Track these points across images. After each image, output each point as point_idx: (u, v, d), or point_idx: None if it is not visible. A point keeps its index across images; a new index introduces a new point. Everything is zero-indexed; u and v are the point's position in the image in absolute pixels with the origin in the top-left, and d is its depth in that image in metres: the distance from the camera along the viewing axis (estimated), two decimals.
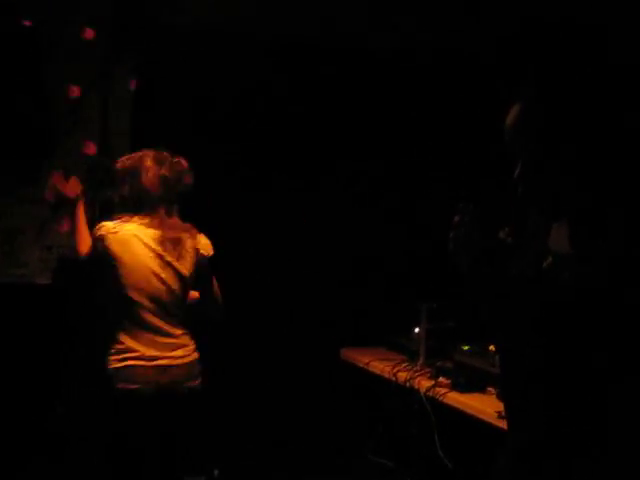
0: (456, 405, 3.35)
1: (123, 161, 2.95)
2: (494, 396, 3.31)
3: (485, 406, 3.19)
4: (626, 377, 1.20)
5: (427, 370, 3.77)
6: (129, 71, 4.16)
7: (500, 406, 3.11)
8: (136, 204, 2.87)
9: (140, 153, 2.95)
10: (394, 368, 3.85)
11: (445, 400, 3.42)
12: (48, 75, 3.97)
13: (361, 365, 4.16)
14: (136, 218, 2.86)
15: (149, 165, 2.88)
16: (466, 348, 3.77)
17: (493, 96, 3.84)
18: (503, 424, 2.92)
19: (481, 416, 3.15)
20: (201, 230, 3.01)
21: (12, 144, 3.90)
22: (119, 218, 2.88)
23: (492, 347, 3.67)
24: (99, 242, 2.84)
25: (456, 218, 1.48)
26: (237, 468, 4.07)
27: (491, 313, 1.48)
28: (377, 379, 4.00)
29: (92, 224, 2.95)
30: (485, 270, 1.49)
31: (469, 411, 3.25)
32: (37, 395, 3.96)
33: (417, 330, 4.20)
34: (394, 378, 3.79)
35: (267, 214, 4.42)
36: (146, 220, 2.86)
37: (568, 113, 1.28)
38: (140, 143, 3.57)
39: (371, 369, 4.06)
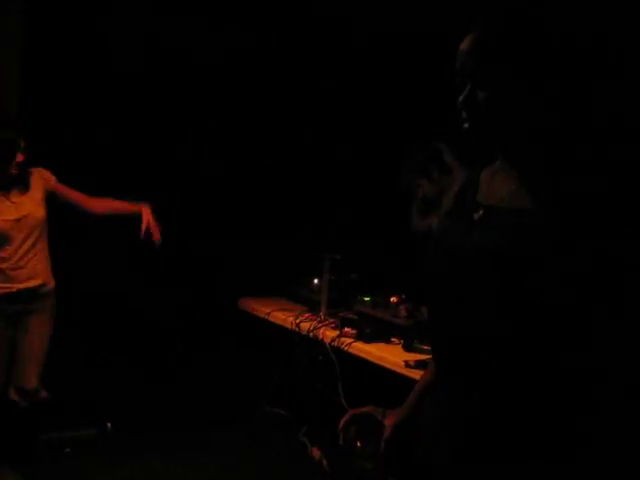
0: (362, 355, 3.38)
1: None
2: (399, 346, 3.37)
3: (391, 355, 3.24)
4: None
5: (331, 321, 3.78)
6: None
7: (407, 355, 3.21)
8: None
9: None
10: (297, 318, 3.84)
11: (350, 350, 3.43)
12: None
13: (261, 315, 4.11)
14: None
15: None
16: (367, 299, 3.81)
17: None
18: (409, 373, 3.03)
19: (388, 365, 3.20)
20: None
21: None
22: None
23: (394, 298, 3.74)
24: None
25: None
26: (131, 421, 3.94)
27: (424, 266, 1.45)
28: (278, 329, 3.97)
29: None
30: None
31: (376, 360, 3.29)
32: None
33: (317, 281, 4.21)
34: (297, 328, 3.77)
35: (167, 165, 4.27)
36: None
37: (525, 37, 1.25)
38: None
39: (272, 319, 4.02)
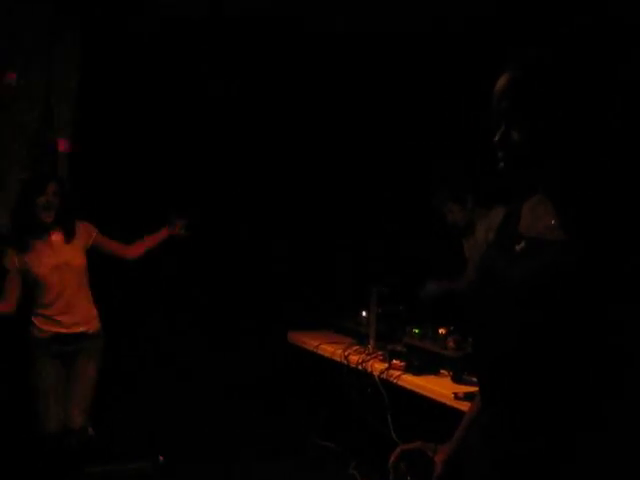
0: (411, 387, 3.36)
1: None
2: (448, 378, 3.34)
3: (440, 387, 3.22)
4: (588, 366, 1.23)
5: (379, 353, 3.78)
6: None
7: (456, 387, 3.18)
8: None
9: None
10: (345, 351, 3.84)
11: (400, 382, 3.42)
12: None
13: (310, 348, 4.13)
14: None
15: None
16: (416, 331, 3.80)
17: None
18: (459, 405, 3.00)
19: (437, 397, 3.18)
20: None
21: None
22: None
23: (442, 330, 3.72)
24: None
25: None
26: (183, 454, 3.98)
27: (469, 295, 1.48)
28: (327, 362, 3.98)
29: None
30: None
31: (425, 393, 3.27)
32: None
33: (364, 313, 4.22)
34: (346, 361, 3.78)
35: (218, 195, 4.35)
36: None
37: (557, 79, 1.28)
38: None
39: (321, 352, 4.04)
